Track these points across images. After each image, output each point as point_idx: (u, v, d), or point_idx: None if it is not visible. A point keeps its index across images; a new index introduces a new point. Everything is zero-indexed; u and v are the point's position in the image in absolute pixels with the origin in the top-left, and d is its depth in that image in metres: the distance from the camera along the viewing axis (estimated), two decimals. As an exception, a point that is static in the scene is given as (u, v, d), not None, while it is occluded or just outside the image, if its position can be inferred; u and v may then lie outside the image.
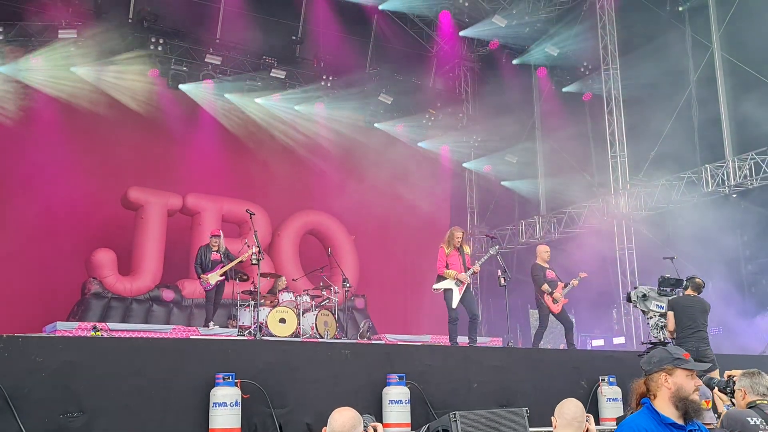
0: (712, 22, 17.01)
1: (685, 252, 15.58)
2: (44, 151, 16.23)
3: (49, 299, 15.76)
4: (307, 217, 19.14)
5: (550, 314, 11.94)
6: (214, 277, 12.79)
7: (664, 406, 3.57)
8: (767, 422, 4.64)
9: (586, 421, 4.32)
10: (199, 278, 13.05)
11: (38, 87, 16.38)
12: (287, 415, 7.55)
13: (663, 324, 9.25)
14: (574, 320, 12.91)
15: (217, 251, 13.02)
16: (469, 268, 10.94)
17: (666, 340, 9.19)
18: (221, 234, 13.45)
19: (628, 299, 9.65)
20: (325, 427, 3.67)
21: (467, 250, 11.22)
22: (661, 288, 9.34)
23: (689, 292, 9.79)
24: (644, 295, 9.28)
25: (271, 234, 18.16)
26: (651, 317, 9.30)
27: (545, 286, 11.80)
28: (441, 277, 10.87)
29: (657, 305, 9.25)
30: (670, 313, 9.36)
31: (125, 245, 16.85)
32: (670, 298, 9.42)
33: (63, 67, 16.38)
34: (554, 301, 11.78)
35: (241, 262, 12.80)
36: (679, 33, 17.36)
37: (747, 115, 15.88)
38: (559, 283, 12.02)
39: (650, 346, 9.15)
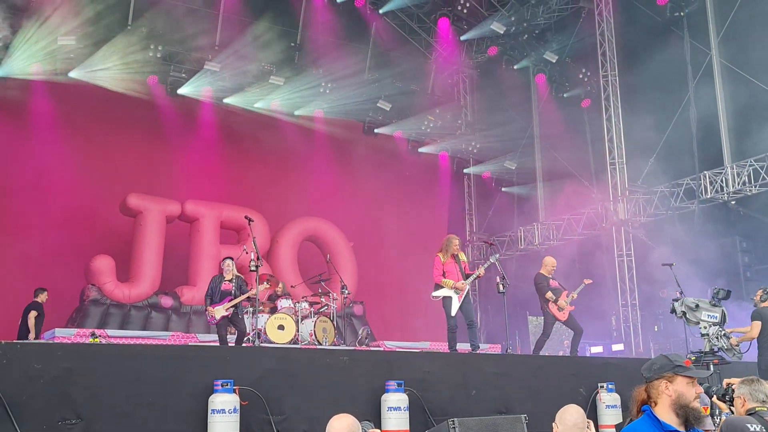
0: (711, 29, 17.04)
1: (683, 258, 15.59)
2: (43, 157, 16.23)
3: (48, 306, 15.69)
4: (306, 223, 19.13)
5: (557, 322, 11.98)
6: (219, 311, 11.32)
7: (665, 414, 3.55)
8: (767, 429, 4.63)
9: (587, 427, 4.31)
10: (206, 310, 11.67)
11: (37, 93, 16.37)
12: (285, 421, 7.53)
13: (724, 333, 9.44)
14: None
15: (230, 281, 11.52)
16: (468, 275, 10.90)
17: (716, 348, 9.39)
18: (231, 257, 11.98)
19: (672, 311, 9.80)
20: None
21: (464, 257, 11.19)
22: (717, 299, 9.60)
23: (767, 304, 10.22)
24: (697, 306, 9.50)
25: (270, 241, 18.16)
26: (704, 327, 9.48)
27: (549, 294, 11.83)
28: (438, 285, 10.80)
29: (709, 315, 9.55)
30: (756, 323, 10.20)
31: (124, 252, 16.84)
32: (722, 307, 9.67)
33: (62, 73, 16.40)
34: (559, 308, 11.81)
35: (249, 298, 11.72)
36: (677, 39, 17.39)
37: (745, 121, 15.90)
38: (564, 291, 12.05)
39: (700, 354, 9.37)
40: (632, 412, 3.75)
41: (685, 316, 9.61)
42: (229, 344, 11.44)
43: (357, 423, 3.70)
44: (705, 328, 9.48)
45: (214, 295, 11.47)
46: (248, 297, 11.55)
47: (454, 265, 10.83)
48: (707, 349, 9.38)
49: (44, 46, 15.70)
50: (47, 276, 15.90)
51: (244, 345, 11.83)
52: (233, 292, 11.46)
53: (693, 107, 16.82)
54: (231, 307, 11.32)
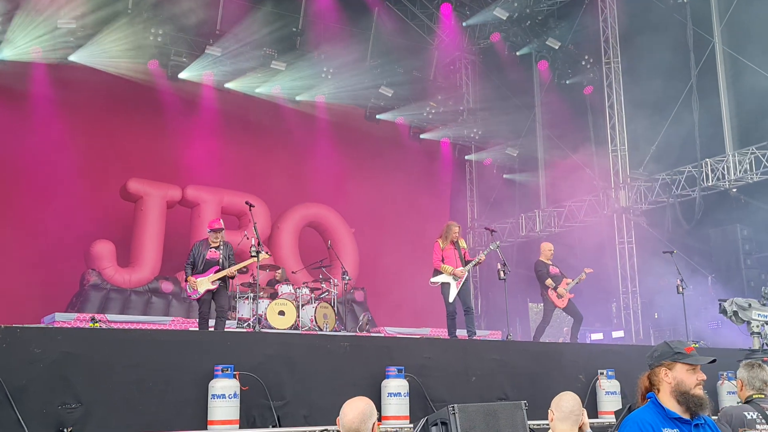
0: (714, 16, 16.97)
1: (684, 246, 15.60)
2: (43, 142, 16.20)
3: (48, 290, 15.76)
4: (307, 209, 19.14)
5: (557, 308, 12.04)
6: (203, 283, 9.86)
7: (668, 401, 3.55)
8: (763, 417, 4.62)
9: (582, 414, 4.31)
10: (186, 281, 10.03)
11: (36, 77, 16.32)
12: (286, 407, 7.54)
13: None
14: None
15: (216, 248, 10.16)
16: (468, 261, 10.94)
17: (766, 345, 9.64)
18: (223, 226, 10.62)
19: (722, 311, 10.01)
20: (338, 417, 3.66)
21: (463, 244, 11.23)
22: (766, 299, 9.87)
23: None
24: (749, 305, 9.77)
25: (270, 226, 18.16)
26: (756, 326, 9.76)
27: (549, 281, 11.91)
28: (437, 271, 10.89)
29: (759, 314, 9.96)
30: None
31: (124, 237, 16.86)
32: None
33: (62, 57, 16.34)
34: (558, 295, 11.86)
35: (241, 270, 10.26)
36: (680, 26, 17.31)
37: (748, 109, 15.87)
38: (564, 278, 12.09)
39: (750, 351, 9.56)
40: (637, 399, 3.75)
41: (736, 316, 9.79)
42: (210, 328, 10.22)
43: (371, 406, 3.66)
44: (757, 326, 9.66)
45: (197, 264, 10.00)
46: (241, 268, 10.06)
47: (453, 251, 10.91)
48: (756, 347, 9.54)
49: (44, 30, 15.61)
50: (47, 260, 15.95)
51: (244, 330, 11.83)
52: (220, 261, 10.03)
53: (695, 94, 16.76)
54: (218, 279, 9.89)
